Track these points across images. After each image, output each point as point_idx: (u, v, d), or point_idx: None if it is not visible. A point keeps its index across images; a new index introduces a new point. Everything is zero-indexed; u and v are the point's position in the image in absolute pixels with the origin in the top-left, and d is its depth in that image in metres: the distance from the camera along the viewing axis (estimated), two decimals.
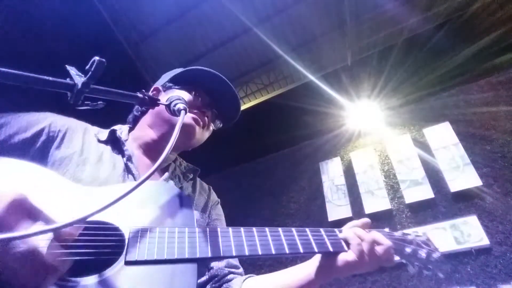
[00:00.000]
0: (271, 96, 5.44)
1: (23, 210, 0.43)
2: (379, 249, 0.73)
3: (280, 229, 0.71)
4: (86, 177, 0.71)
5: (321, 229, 0.77)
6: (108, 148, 0.83)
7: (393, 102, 4.72)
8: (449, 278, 3.13)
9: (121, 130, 0.93)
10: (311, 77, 4.85)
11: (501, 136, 3.64)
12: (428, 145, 4.02)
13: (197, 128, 0.91)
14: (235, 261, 0.96)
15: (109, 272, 0.50)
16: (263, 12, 4.24)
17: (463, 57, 4.26)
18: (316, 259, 0.80)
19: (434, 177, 3.82)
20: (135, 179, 0.79)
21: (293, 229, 0.73)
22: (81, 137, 0.80)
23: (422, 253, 0.77)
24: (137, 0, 4.19)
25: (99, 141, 0.84)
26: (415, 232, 0.86)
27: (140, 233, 0.56)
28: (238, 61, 4.96)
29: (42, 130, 0.74)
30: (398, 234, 0.82)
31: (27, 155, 0.69)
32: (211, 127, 1.01)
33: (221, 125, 1.06)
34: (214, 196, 1.06)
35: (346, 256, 0.73)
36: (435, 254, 0.78)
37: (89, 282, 0.48)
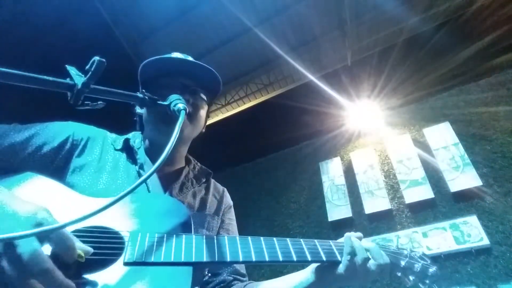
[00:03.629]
0: (271, 96, 5.43)
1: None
2: (372, 265, 0.73)
3: (274, 238, 0.73)
4: (102, 184, 0.76)
5: (315, 240, 0.78)
6: (123, 156, 0.87)
7: (393, 102, 4.72)
8: (449, 278, 3.13)
9: (135, 138, 0.94)
10: (311, 77, 4.84)
11: (501, 136, 3.64)
12: (428, 145, 4.02)
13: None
14: (242, 270, 0.96)
15: (107, 271, 0.53)
16: (263, 12, 4.23)
17: (463, 57, 4.26)
18: (309, 270, 0.81)
19: (434, 177, 3.81)
20: (147, 186, 0.81)
21: (288, 239, 0.74)
22: (100, 145, 0.85)
23: (418, 267, 0.78)
24: (137, 0, 4.19)
25: (115, 149, 0.87)
26: (412, 248, 0.87)
27: (139, 237, 0.59)
28: (238, 61, 4.95)
29: (66, 139, 0.80)
30: (393, 247, 0.83)
31: (52, 163, 0.76)
32: (201, 104, 0.93)
33: (210, 95, 0.97)
34: (227, 199, 1.05)
35: (338, 269, 0.73)
36: (431, 269, 0.79)
37: (89, 279, 0.51)
